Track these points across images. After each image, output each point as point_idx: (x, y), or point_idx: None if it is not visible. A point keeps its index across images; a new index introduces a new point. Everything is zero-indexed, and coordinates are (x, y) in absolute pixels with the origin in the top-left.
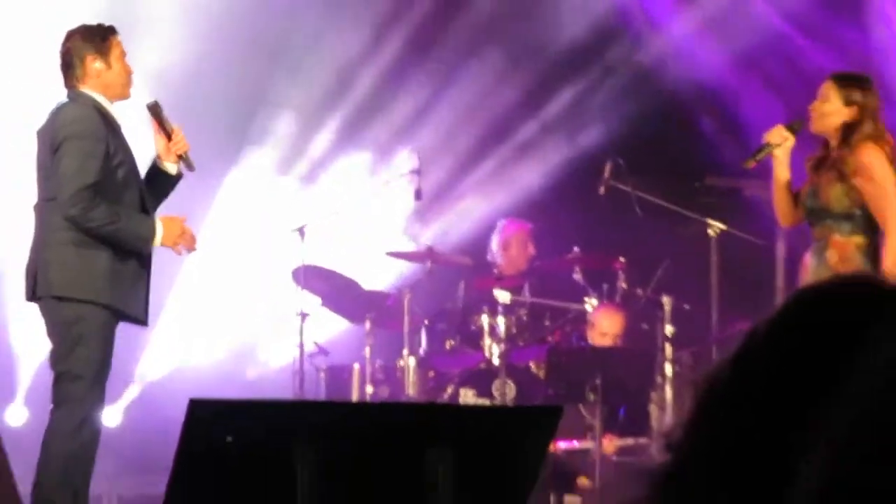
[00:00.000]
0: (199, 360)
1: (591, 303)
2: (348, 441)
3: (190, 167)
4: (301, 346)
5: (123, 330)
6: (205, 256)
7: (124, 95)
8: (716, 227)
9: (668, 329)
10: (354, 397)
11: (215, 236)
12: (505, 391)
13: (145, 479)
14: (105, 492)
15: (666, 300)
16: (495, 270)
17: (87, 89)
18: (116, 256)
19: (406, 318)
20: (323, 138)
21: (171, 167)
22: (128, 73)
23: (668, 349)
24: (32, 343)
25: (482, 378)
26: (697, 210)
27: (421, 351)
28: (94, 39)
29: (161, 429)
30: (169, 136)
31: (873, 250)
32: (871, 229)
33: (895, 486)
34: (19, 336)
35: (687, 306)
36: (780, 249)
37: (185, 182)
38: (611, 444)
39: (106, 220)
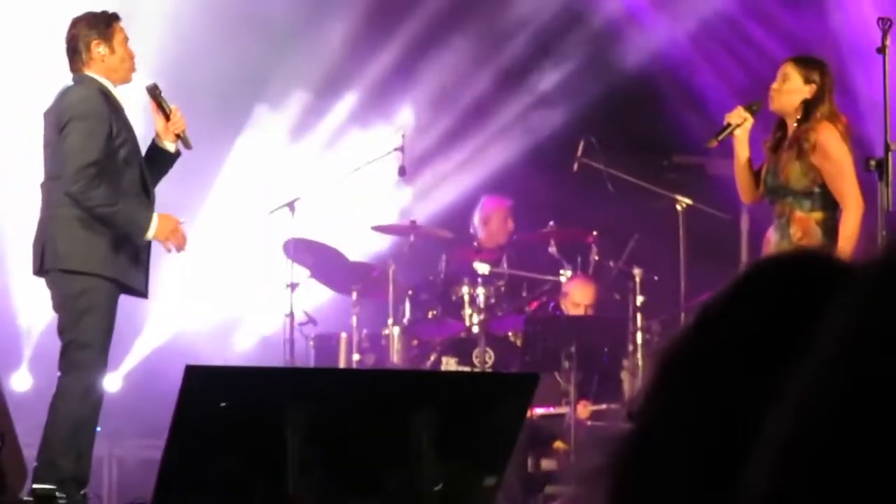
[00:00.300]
0: (195, 329)
1: (565, 274)
2: (336, 406)
3: (187, 145)
4: (291, 315)
5: (123, 300)
6: (201, 231)
7: (127, 79)
8: (683, 202)
9: (639, 299)
10: (342, 364)
11: (210, 212)
12: (485, 359)
13: (144, 442)
14: (105, 454)
15: (637, 272)
16: (475, 244)
17: (91, 73)
18: (119, 232)
19: (391, 289)
20: (313, 117)
21: (170, 146)
22: (130, 58)
23: (639, 318)
24: (36, 313)
25: (463, 346)
26: (666, 186)
27: (405, 320)
28: (99, 26)
29: (159, 394)
30: (167, 116)
31: (833, 226)
32: (831, 206)
33: (849, 451)
34: (23, 307)
35: (656, 277)
36: (744, 223)
37: (180, 160)
38: (585, 409)
39: (104, 202)
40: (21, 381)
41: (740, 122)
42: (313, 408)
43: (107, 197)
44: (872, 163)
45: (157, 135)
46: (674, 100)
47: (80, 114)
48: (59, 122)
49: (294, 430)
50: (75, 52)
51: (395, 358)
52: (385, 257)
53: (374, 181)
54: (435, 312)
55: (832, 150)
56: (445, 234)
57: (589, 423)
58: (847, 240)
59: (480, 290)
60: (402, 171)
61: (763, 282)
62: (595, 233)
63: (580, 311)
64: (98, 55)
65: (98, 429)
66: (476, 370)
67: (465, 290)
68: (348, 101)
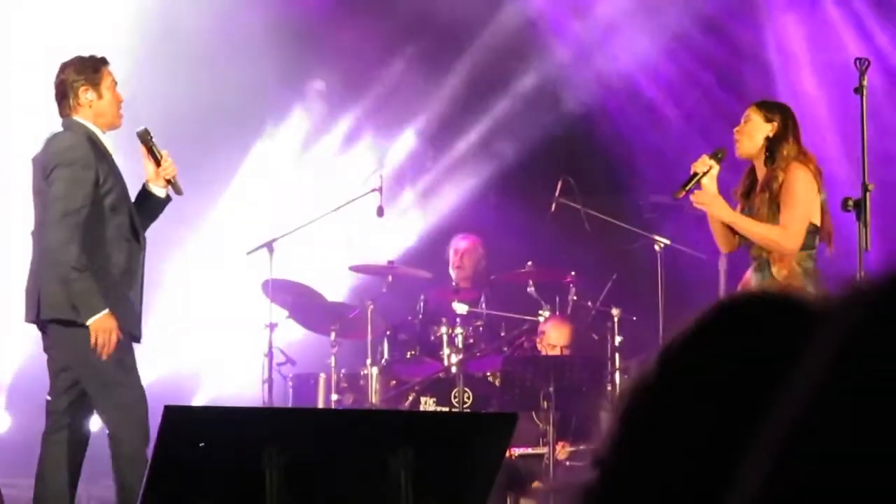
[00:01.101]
0: (174, 370)
1: (544, 314)
2: (315, 446)
3: (178, 191)
4: (270, 355)
5: None
6: (180, 271)
7: (115, 124)
8: (661, 242)
9: (618, 339)
10: (320, 404)
11: (188, 252)
12: (463, 399)
13: None
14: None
15: (615, 312)
16: (453, 283)
17: (80, 118)
18: (111, 276)
19: (369, 329)
20: (291, 158)
21: (160, 191)
22: (118, 103)
23: (618, 358)
24: (9, 353)
25: (441, 386)
26: (644, 226)
27: (383, 360)
28: (87, 71)
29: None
30: (158, 162)
31: (811, 267)
32: (811, 245)
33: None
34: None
35: (634, 318)
36: (722, 264)
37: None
38: (563, 450)
39: (75, 264)
40: None
41: (706, 170)
42: (292, 448)
43: (77, 259)
44: (850, 202)
45: (148, 180)
46: (648, 138)
47: (66, 161)
48: (46, 169)
49: (272, 470)
50: (64, 96)
51: (374, 398)
52: (363, 297)
53: (353, 222)
54: (413, 352)
55: (794, 185)
56: (424, 274)
57: (567, 463)
58: (755, 231)
59: (459, 331)
60: (381, 212)
61: (725, 323)
62: (573, 273)
63: (556, 352)
64: (86, 101)
65: None
66: (454, 410)
67: (443, 330)
68: (326, 143)
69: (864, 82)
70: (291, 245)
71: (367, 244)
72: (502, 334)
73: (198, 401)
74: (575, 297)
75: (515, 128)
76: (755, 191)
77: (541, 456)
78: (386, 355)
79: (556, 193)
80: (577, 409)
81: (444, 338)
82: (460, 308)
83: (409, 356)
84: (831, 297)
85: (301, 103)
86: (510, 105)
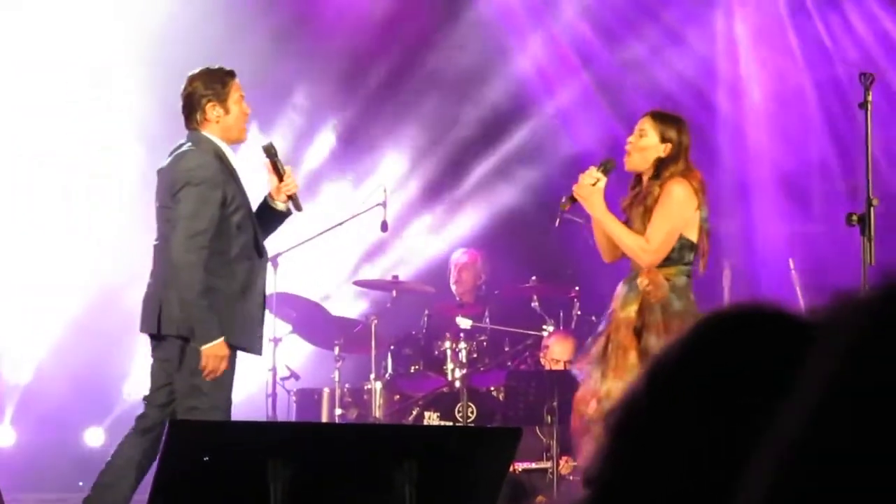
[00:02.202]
0: None
1: (547, 329)
2: (319, 460)
3: (298, 207)
4: (273, 370)
5: (108, 353)
6: None
7: (240, 139)
8: None
9: None
10: (324, 419)
11: None
12: (467, 413)
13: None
14: None
15: None
16: (457, 298)
17: (207, 133)
18: (234, 293)
19: (373, 344)
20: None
21: (281, 206)
22: (244, 116)
23: None
24: (20, 368)
25: (445, 401)
26: None
27: (387, 375)
28: (215, 86)
29: None
30: (280, 177)
31: (683, 285)
32: (681, 262)
33: None
34: (7, 361)
35: None
36: (727, 278)
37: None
38: (567, 464)
39: (196, 287)
40: (3, 437)
41: (593, 182)
42: (296, 462)
43: (200, 283)
44: (854, 218)
45: (270, 194)
46: None
47: (195, 180)
48: (173, 186)
49: (277, 484)
50: (191, 110)
51: (378, 412)
52: (367, 312)
53: (357, 236)
54: (417, 367)
55: (666, 199)
56: (427, 289)
57: (571, 478)
58: (622, 238)
59: (462, 345)
60: (385, 227)
61: (714, 335)
62: (577, 287)
63: (560, 367)
64: (213, 116)
65: (80, 483)
66: (458, 424)
67: (447, 344)
68: (330, 156)
69: (869, 97)
70: (296, 260)
71: (371, 259)
72: (506, 349)
73: None
74: (579, 312)
75: (526, 150)
76: (636, 201)
77: (545, 470)
78: (390, 370)
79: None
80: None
81: (448, 352)
82: (464, 323)
83: (412, 371)
84: (822, 309)
85: (293, 114)
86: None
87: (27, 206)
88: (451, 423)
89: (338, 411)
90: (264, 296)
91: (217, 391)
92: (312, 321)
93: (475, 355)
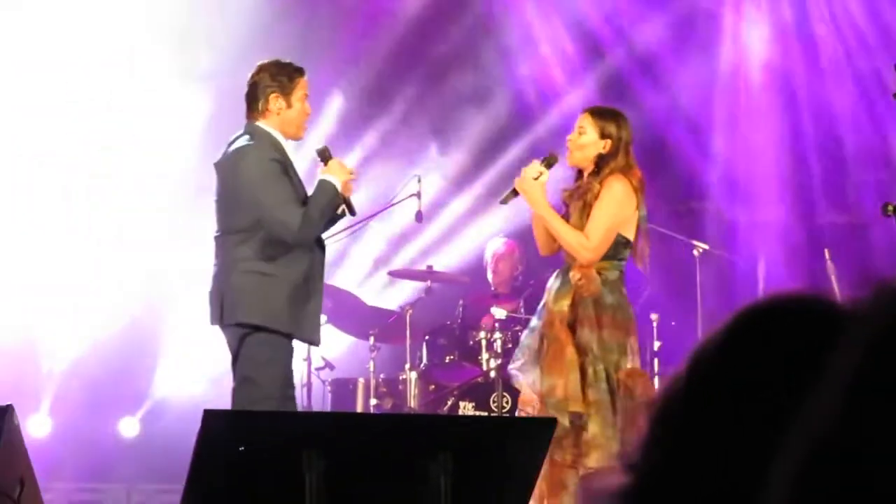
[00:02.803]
0: (212, 373)
1: None
2: (354, 451)
3: (351, 211)
4: (308, 360)
5: (140, 343)
6: None
7: (297, 136)
8: (700, 247)
9: (656, 344)
10: (359, 409)
11: None
12: (502, 403)
13: (162, 487)
14: (123, 500)
15: (654, 317)
16: (492, 288)
17: (265, 124)
18: (294, 283)
19: (408, 334)
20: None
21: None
22: (305, 115)
23: (657, 363)
24: (57, 355)
25: (480, 391)
26: (683, 231)
27: (422, 365)
28: (282, 79)
29: (177, 438)
30: None
31: (614, 280)
32: (614, 257)
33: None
34: (46, 349)
35: (673, 323)
36: (762, 269)
37: (194, 205)
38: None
39: (310, 219)
40: (39, 426)
41: (536, 175)
42: (331, 452)
43: (303, 218)
44: (890, 208)
45: None
46: (685, 142)
47: (259, 177)
48: (235, 185)
49: (312, 474)
50: (254, 99)
51: (412, 403)
52: (402, 303)
53: (391, 226)
54: (452, 357)
55: (605, 196)
56: (462, 279)
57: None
58: (561, 232)
59: (498, 335)
60: (419, 217)
61: (757, 325)
62: None
63: None
64: (275, 108)
65: None
66: (493, 415)
67: (482, 334)
68: (365, 145)
69: None
70: (330, 250)
71: (406, 249)
72: None
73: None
74: None
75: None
76: (575, 196)
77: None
78: (425, 360)
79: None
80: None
81: (483, 342)
82: (499, 313)
83: (447, 361)
84: (861, 300)
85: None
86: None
87: (53, 206)
88: (485, 413)
89: (373, 401)
90: (322, 289)
91: (269, 382)
92: (347, 311)
93: (510, 345)
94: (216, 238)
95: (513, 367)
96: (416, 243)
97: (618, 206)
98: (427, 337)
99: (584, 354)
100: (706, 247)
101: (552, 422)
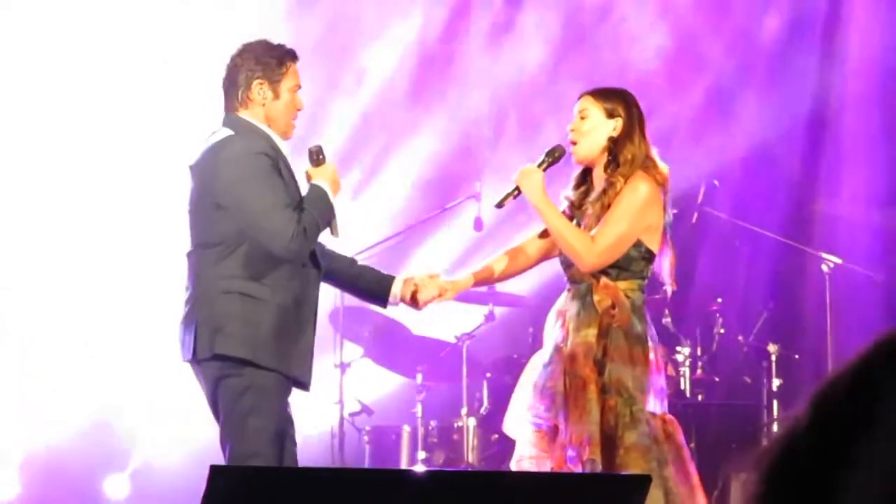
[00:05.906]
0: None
1: (682, 352)
2: None
3: (333, 233)
4: (341, 403)
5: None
6: None
7: (286, 134)
8: (830, 261)
9: (775, 382)
10: (403, 464)
11: None
12: None
13: None
14: None
15: (772, 348)
16: None
17: (247, 115)
18: (284, 308)
19: (464, 371)
20: (369, 158)
21: None
22: (294, 110)
23: (776, 406)
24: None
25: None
26: (807, 241)
27: (482, 410)
28: (269, 62)
29: (171, 497)
30: None
31: (641, 304)
32: (640, 275)
33: None
34: (131, 403)
35: (797, 356)
36: None
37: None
38: None
39: (305, 230)
40: (118, 488)
41: (539, 164)
42: None
43: (298, 226)
44: None
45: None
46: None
47: (243, 175)
48: (215, 187)
49: None
50: (233, 85)
51: (471, 456)
52: (458, 331)
53: (445, 237)
54: None
55: (626, 196)
56: (531, 302)
57: None
58: (562, 231)
59: None
60: (479, 225)
61: (892, 360)
62: (720, 300)
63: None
64: (259, 98)
65: None
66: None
67: None
68: (412, 146)
69: None
70: (369, 264)
71: (463, 264)
72: None
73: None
74: (722, 331)
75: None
76: (587, 198)
77: None
78: (486, 403)
79: (699, 200)
80: (724, 467)
81: None
82: None
83: None
84: None
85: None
86: None
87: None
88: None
89: (421, 455)
90: (316, 315)
91: (256, 436)
92: (389, 342)
93: None
94: (188, 255)
95: (531, 412)
96: (475, 257)
97: (640, 212)
98: (489, 374)
99: (616, 394)
100: (838, 260)
101: (646, 479)
